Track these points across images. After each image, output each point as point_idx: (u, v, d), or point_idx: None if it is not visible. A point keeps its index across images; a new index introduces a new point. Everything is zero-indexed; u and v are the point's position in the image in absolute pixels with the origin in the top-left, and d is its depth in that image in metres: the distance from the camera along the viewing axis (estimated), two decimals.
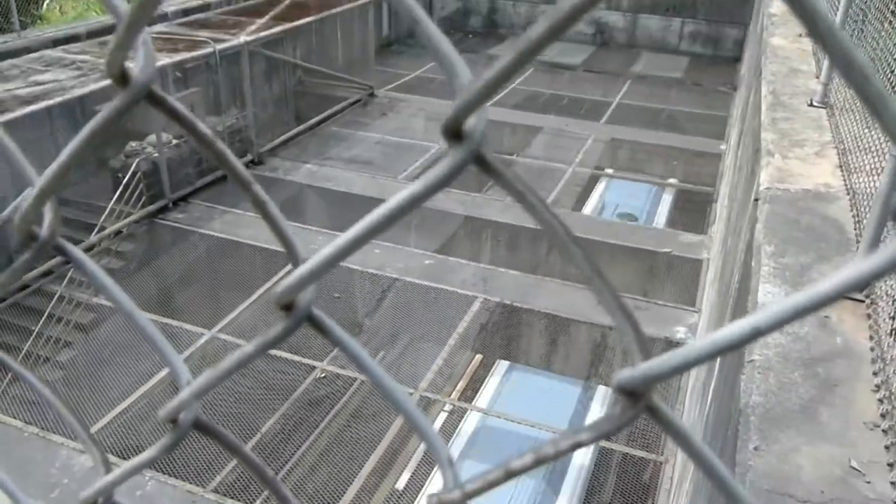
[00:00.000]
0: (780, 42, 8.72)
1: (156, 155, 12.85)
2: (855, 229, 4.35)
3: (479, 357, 11.29)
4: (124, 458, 8.19)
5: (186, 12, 16.98)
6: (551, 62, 23.18)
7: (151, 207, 12.95)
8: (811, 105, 6.47)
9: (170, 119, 0.57)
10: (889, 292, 3.53)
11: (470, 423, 9.34)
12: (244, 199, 0.60)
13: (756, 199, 5.01)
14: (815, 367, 3.27)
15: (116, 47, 0.50)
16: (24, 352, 10.24)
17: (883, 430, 2.94)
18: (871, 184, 4.36)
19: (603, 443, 8.73)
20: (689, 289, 11.78)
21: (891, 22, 5.14)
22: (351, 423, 9.89)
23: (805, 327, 3.51)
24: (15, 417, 8.94)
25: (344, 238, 0.50)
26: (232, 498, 8.20)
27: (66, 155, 0.57)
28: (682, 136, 18.27)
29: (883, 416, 3.01)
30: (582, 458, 9.00)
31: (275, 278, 11.62)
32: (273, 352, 8.89)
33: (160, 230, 13.00)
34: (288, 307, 0.57)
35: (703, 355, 0.45)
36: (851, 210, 4.57)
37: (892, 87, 4.70)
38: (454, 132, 0.44)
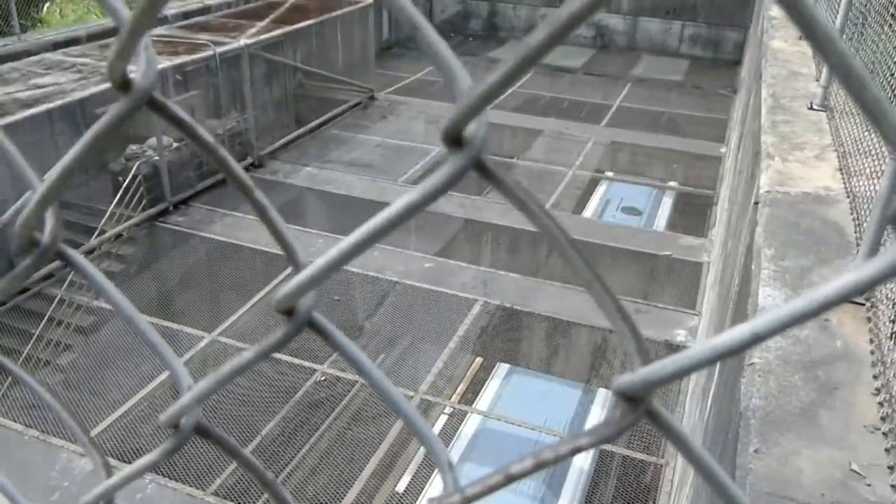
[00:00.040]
0: (781, 45, 8.73)
1: (156, 158, 12.86)
2: (855, 232, 4.35)
3: (479, 360, 11.29)
4: (125, 462, 8.19)
5: (186, 15, 17.00)
6: (551, 65, 23.20)
7: (152, 211, 12.96)
8: (811, 108, 6.48)
9: (171, 125, 0.57)
10: (889, 296, 3.53)
11: (470, 426, 9.33)
12: (245, 202, 0.60)
13: (756, 202, 5.01)
14: (815, 371, 3.27)
15: (118, 54, 0.50)
16: (24, 355, 10.24)
17: (883, 433, 2.94)
18: (872, 187, 4.36)
19: (603, 445, 8.73)
20: (690, 292, 11.79)
21: (891, 25, 5.14)
22: (351, 426, 9.89)
23: (805, 330, 3.51)
24: (15, 421, 8.94)
25: (344, 244, 0.51)
26: (232, 501, 8.20)
27: (68, 161, 0.57)
28: (682, 139, 18.28)
29: (883, 419, 3.01)
30: (582, 461, 8.99)
31: (275, 281, 11.62)
32: (274, 354, 8.89)
33: (160, 233, 13.00)
34: (289, 312, 0.57)
35: (702, 360, 0.45)
36: (851, 213, 4.58)
37: (893, 90, 4.71)
38: (454, 138, 0.45)
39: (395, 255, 12.17)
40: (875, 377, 3.23)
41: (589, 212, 15.13)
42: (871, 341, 3.44)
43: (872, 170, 4.47)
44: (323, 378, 10.21)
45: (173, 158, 13.16)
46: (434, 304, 11.35)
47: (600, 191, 15.92)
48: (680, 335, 10.45)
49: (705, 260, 12.27)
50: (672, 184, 16.49)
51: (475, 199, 13.75)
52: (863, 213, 4.36)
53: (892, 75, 4.86)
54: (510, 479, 0.53)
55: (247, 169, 14.72)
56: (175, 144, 13.17)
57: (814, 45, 0.37)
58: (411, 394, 9.65)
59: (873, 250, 3.42)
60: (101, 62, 13.61)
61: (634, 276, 12.60)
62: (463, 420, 9.48)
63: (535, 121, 18.95)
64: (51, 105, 11.53)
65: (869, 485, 2.72)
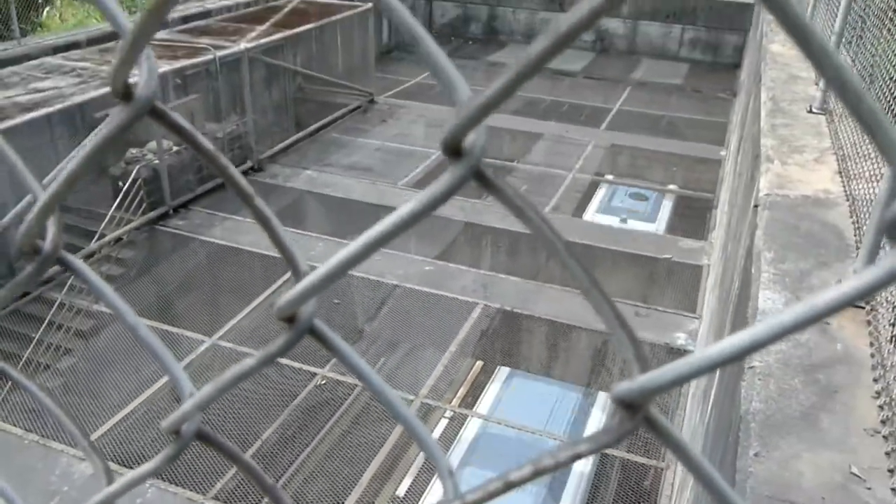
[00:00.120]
0: (780, 48, 8.75)
1: (156, 162, 12.87)
2: (854, 235, 4.35)
3: (479, 363, 11.29)
4: (125, 466, 8.19)
5: (186, 19, 17.02)
6: (551, 69, 23.19)
7: (152, 214, 12.97)
8: (810, 111, 6.49)
9: (172, 133, 0.57)
10: (889, 299, 3.53)
11: (470, 429, 9.33)
12: (245, 206, 0.61)
13: (756, 205, 5.02)
14: (815, 374, 3.27)
15: (120, 63, 0.50)
16: (24, 359, 10.23)
17: (883, 437, 2.94)
18: (871, 190, 4.37)
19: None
20: (690, 295, 11.79)
21: (889, 29, 5.15)
22: (352, 430, 9.88)
23: (805, 334, 3.51)
24: (15, 425, 8.93)
25: (345, 253, 0.51)
26: None
27: (71, 170, 0.58)
28: (682, 142, 18.30)
29: (883, 422, 3.01)
30: (583, 465, 8.98)
31: (275, 285, 11.62)
32: None
33: (160, 237, 13.01)
34: (290, 320, 0.57)
35: (700, 368, 0.45)
36: (851, 216, 4.58)
37: (892, 93, 4.72)
38: (454, 148, 0.45)
39: (395, 258, 12.17)
40: (875, 380, 3.23)
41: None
42: (872, 344, 3.44)
43: (872, 173, 4.48)
44: (324, 381, 10.21)
45: (173, 162, 13.17)
46: (434, 307, 11.35)
47: (600, 194, 15.99)
48: (680, 338, 10.45)
49: (705, 263, 12.28)
50: (672, 187, 16.51)
51: (475, 203, 13.76)
52: (862, 216, 4.36)
53: (891, 79, 4.87)
54: (510, 486, 0.54)
55: (246, 172, 14.76)
56: (175, 148, 13.18)
57: (809, 57, 0.38)
58: (412, 397, 9.64)
59: (872, 255, 3.43)
60: (101, 66, 13.63)
61: (634, 280, 12.60)
62: (463, 424, 9.47)
63: (536, 124, 18.97)
64: (50, 109, 11.55)
65: (869, 488, 2.72)
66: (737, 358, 0.44)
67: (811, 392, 3.17)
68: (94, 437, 8.80)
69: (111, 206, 12.16)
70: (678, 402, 9.38)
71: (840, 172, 5.21)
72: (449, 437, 9.23)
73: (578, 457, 0.51)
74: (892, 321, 3.37)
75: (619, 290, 11.87)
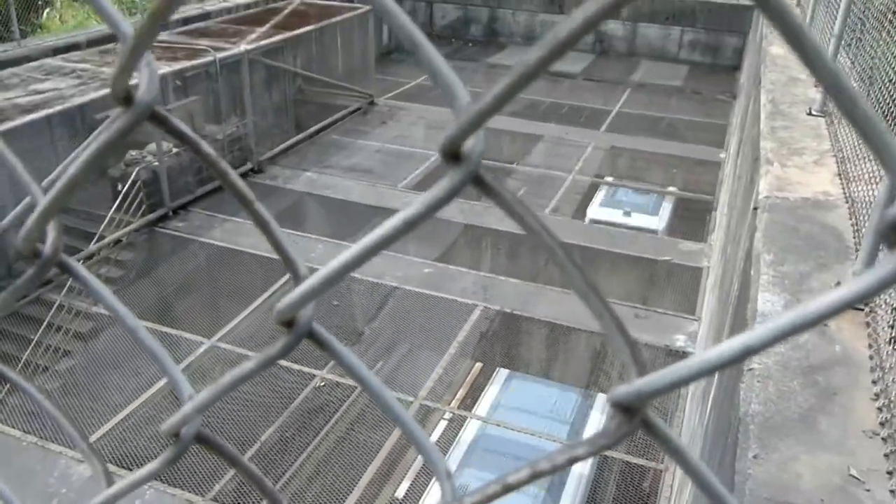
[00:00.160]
0: (779, 51, 8.75)
1: (156, 164, 12.87)
2: (854, 237, 4.36)
3: (478, 365, 11.29)
4: (123, 467, 8.18)
5: (186, 21, 17.03)
6: (551, 70, 23.21)
7: (151, 216, 12.97)
8: (810, 114, 6.49)
9: (173, 138, 0.58)
10: (888, 301, 3.53)
11: (470, 431, 9.32)
12: (245, 211, 0.61)
13: (755, 208, 5.02)
14: (814, 376, 3.28)
15: (121, 69, 0.51)
16: (23, 361, 10.23)
17: (882, 439, 2.94)
18: (870, 192, 4.37)
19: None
20: (690, 297, 11.79)
21: (888, 31, 5.16)
22: (350, 432, 9.88)
23: (804, 336, 3.51)
24: (13, 427, 8.93)
25: (343, 257, 0.51)
26: None
27: (71, 175, 0.58)
28: (681, 144, 18.31)
29: (882, 424, 3.01)
30: (582, 467, 8.98)
31: (274, 287, 11.62)
32: None
33: (160, 239, 13.01)
34: (289, 324, 0.57)
35: (696, 373, 0.45)
36: (850, 218, 4.58)
37: (891, 95, 4.72)
38: (452, 154, 0.45)
39: (394, 260, 12.18)
40: (874, 382, 3.23)
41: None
42: (870, 346, 3.44)
43: (871, 175, 4.48)
44: (322, 383, 10.21)
45: (173, 164, 13.18)
46: (434, 309, 11.35)
47: (600, 196, 16.04)
48: (679, 340, 10.45)
49: (705, 265, 12.28)
50: (672, 189, 16.52)
51: (475, 205, 13.77)
52: (861, 218, 4.37)
53: (890, 81, 4.88)
54: (508, 489, 0.54)
55: (246, 174, 14.76)
56: (174, 150, 13.18)
57: (805, 63, 0.38)
58: (411, 399, 9.64)
59: (872, 257, 3.43)
60: (101, 68, 13.64)
61: (634, 281, 12.61)
62: (462, 425, 9.47)
63: (535, 126, 18.98)
64: (50, 110, 11.55)
65: (868, 490, 2.72)
66: (730, 363, 0.45)
67: (810, 394, 3.17)
68: (92, 438, 8.80)
69: (110, 207, 12.16)
70: (677, 404, 9.38)
71: (839, 175, 5.21)
72: (448, 439, 9.23)
73: (576, 460, 0.51)
74: (890, 323, 3.38)
75: (618, 292, 11.88)
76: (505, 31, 27.60)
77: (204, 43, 15.12)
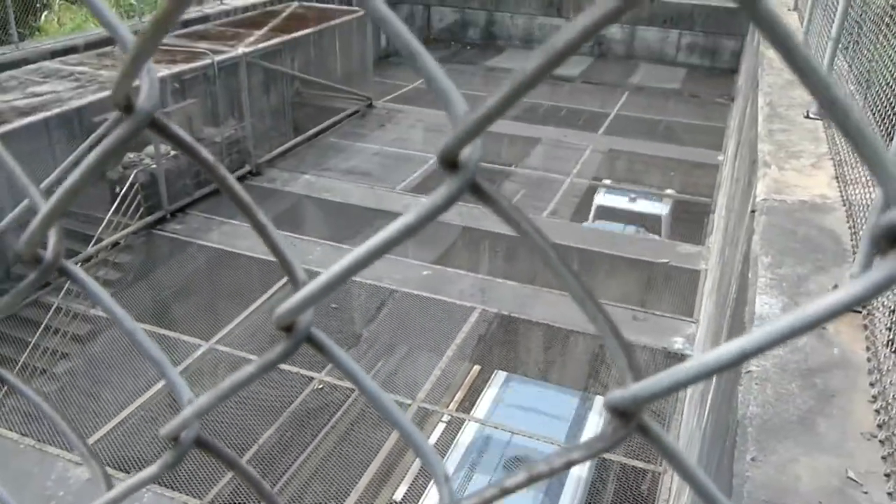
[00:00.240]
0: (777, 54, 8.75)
1: (154, 166, 12.87)
2: (851, 240, 4.37)
3: (476, 368, 11.28)
4: (122, 470, 8.17)
5: (185, 24, 17.03)
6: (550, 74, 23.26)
7: (149, 218, 12.96)
8: (807, 117, 6.51)
9: (173, 145, 0.58)
10: (886, 304, 3.54)
11: (467, 434, 9.32)
12: (243, 216, 0.61)
13: (753, 211, 5.03)
14: (812, 378, 3.28)
15: (122, 77, 0.51)
16: (20, 363, 10.22)
17: (880, 441, 2.95)
18: (868, 195, 4.38)
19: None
20: (687, 299, 11.80)
21: (885, 34, 5.17)
22: (348, 434, 9.87)
23: (802, 338, 3.52)
24: (11, 429, 8.92)
25: (342, 263, 0.52)
26: None
27: (71, 182, 0.58)
28: (679, 146, 18.34)
29: (880, 426, 3.02)
30: (580, 469, 8.97)
31: (272, 289, 11.62)
32: None
33: (158, 241, 13.00)
34: (288, 328, 0.58)
35: (692, 377, 0.46)
36: (847, 221, 4.59)
37: (889, 99, 4.74)
38: (450, 162, 0.46)
39: (393, 263, 12.18)
40: (872, 384, 3.24)
41: (590, 216, 15.41)
42: (868, 349, 3.45)
43: (868, 178, 4.49)
44: (321, 386, 10.20)
45: (170, 166, 13.18)
46: (432, 311, 11.35)
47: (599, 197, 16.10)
48: (677, 343, 10.45)
49: (703, 267, 12.29)
50: (669, 191, 16.54)
51: (473, 208, 13.77)
52: (859, 221, 4.38)
53: (887, 84, 4.89)
54: (505, 492, 0.54)
55: (244, 177, 14.76)
56: (172, 153, 13.18)
57: (796, 73, 0.39)
58: (409, 401, 9.64)
59: (869, 260, 3.43)
60: (99, 70, 13.64)
61: (632, 284, 12.61)
62: (460, 428, 9.47)
63: (534, 129, 19.00)
64: (48, 113, 11.55)
65: (866, 492, 2.72)
66: (726, 368, 0.45)
67: (808, 396, 3.18)
68: (91, 441, 8.79)
69: (108, 210, 12.16)
70: (675, 407, 9.38)
71: (837, 177, 5.22)
72: (446, 442, 9.22)
73: (572, 463, 0.52)
74: (888, 325, 3.39)
75: (616, 295, 11.88)
76: (503, 34, 27.63)
77: (202, 46, 15.12)
